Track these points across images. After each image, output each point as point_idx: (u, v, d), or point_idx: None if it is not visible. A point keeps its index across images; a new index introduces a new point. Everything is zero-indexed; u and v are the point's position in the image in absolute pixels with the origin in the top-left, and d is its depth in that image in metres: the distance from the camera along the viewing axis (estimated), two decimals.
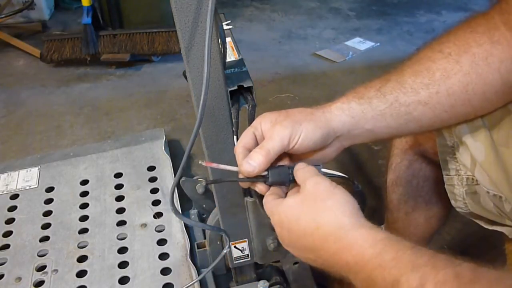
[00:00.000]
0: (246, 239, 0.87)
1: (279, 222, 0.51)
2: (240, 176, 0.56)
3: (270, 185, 0.56)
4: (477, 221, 0.70)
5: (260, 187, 0.57)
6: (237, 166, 0.56)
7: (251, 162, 0.53)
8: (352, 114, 0.57)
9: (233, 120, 0.69)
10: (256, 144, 0.57)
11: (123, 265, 1.00)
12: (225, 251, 0.73)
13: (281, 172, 0.55)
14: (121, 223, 1.10)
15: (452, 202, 0.69)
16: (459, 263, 0.39)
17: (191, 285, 0.92)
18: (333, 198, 0.49)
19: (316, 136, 0.55)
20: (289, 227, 0.50)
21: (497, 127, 0.60)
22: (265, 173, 0.55)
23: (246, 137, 0.57)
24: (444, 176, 0.68)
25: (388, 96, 0.57)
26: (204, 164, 0.57)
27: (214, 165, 0.56)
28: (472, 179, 0.64)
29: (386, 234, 0.44)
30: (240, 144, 0.56)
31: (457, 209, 0.70)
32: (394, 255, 0.41)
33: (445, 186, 0.69)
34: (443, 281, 0.37)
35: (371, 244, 0.43)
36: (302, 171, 0.53)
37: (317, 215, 0.48)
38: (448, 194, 0.69)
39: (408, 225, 0.90)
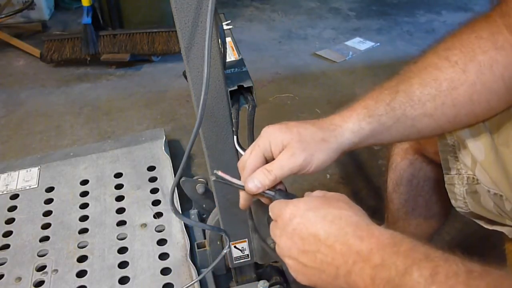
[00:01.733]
0: (246, 239, 0.87)
1: (293, 210, 0.50)
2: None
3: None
4: (477, 221, 0.70)
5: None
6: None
7: (256, 183, 0.54)
8: (362, 135, 0.57)
9: (233, 120, 0.69)
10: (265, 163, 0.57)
11: (123, 265, 1.00)
12: (225, 251, 0.73)
13: (288, 196, 0.56)
14: (121, 223, 1.10)
15: (452, 201, 0.69)
16: (469, 260, 0.40)
17: (191, 285, 0.92)
18: (356, 205, 0.51)
19: (326, 164, 0.56)
20: (304, 214, 0.49)
21: (497, 128, 0.60)
22: (272, 193, 0.56)
23: (255, 160, 0.56)
24: (444, 176, 0.68)
25: (397, 111, 0.57)
26: (219, 173, 0.58)
27: (228, 176, 0.57)
28: (473, 178, 0.64)
29: (402, 234, 0.46)
30: (250, 167, 0.56)
31: (457, 209, 0.70)
32: (410, 247, 0.42)
33: (446, 185, 0.69)
34: (454, 273, 0.38)
35: (390, 236, 0.45)
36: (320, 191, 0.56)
37: (341, 209, 0.49)
38: (449, 194, 0.69)
39: (408, 225, 0.90)
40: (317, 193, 0.54)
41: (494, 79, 0.55)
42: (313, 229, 0.48)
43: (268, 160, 0.57)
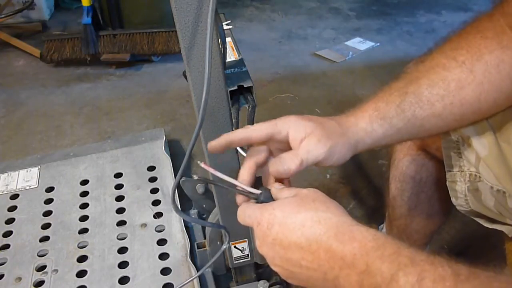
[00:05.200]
0: (246, 239, 0.87)
1: (269, 218, 0.48)
2: (232, 181, 0.54)
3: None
4: (477, 219, 0.70)
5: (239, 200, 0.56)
6: (231, 176, 0.55)
7: (284, 165, 0.52)
8: (375, 137, 0.58)
9: (233, 120, 0.70)
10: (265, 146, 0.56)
11: (123, 265, 1.00)
12: (224, 247, 0.72)
13: (271, 200, 0.53)
14: (121, 223, 1.10)
15: (453, 199, 0.69)
16: (456, 262, 0.39)
17: (190, 281, 0.92)
18: (332, 202, 0.49)
19: (344, 159, 0.56)
20: (282, 221, 0.47)
21: (500, 125, 0.61)
22: (258, 191, 0.53)
23: (262, 131, 0.54)
24: (446, 173, 0.68)
25: (407, 113, 0.58)
26: (201, 165, 0.55)
27: (211, 169, 0.55)
28: (475, 175, 0.64)
29: (384, 234, 0.45)
30: (255, 135, 0.54)
31: (458, 207, 0.70)
32: (395, 250, 0.41)
33: (447, 183, 0.69)
34: (441, 277, 0.37)
35: (372, 239, 0.43)
36: (291, 188, 0.53)
37: (318, 211, 0.47)
38: (450, 192, 0.69)
39: (410, 222, 0.90)
40: (288, 192, 0.52)
41: (501, 78, 0.56)
42: (293, 237, 0.46)
43: (276, 142, 0.55)
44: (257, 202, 0.53)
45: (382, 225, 1.07)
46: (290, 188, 0.52)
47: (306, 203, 0.48)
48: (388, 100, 0.59)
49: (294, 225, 0.47)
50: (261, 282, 0.94)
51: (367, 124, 0.57)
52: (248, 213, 0.52)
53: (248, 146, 0.66)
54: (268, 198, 0.53)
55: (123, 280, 0.97)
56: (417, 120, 0.58)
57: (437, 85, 0.57)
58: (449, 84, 0.57)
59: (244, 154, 0.67)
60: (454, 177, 0.67)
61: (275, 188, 0.53)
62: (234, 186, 0.55)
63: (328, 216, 0.46)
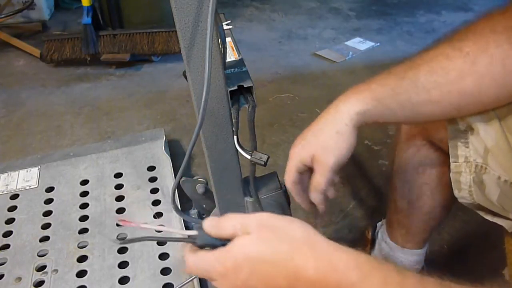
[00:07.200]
0: None
1: (235, 267, 0.43)
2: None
3: (199, 247, 0.48)
4: (479, 211, 0.70)
5: None
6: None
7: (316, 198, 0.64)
8: (370, 117, 0.60)
9: (233, 120, 0.69)
10: (304, 174, 0.65)
11: (123, 265, 1.00)
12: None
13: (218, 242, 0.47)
14: None
15: (456, 192, 0.68)
16: (448, 284, 0.37)
17: (190, 281, 0.92)
18: (294, 222, 0.44)
19: (353, 147, 0.61)
20: (252, 269, 0.43)
21: (505, 116, 0.61)
22: (195, 232, 0.48)
23: (292, 175, 0.65)
24: (451, 164, 0.67)
25: (401, 96, 0.59)
26: (121, 223, 0.52)
27: (133, 224, 0.52)
28: (481, 166, 0.64)
29: (366, 255, 0.42)
30: (289, 182, 0.66)
31: (460, 200, 0.69)
32: (383, 279, 0.39)
33: (451, 174, 0.68)
34: None
35: (355, 266, 0.40)
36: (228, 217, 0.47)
37: (288, 241, 0.43)
38: (453, 184, 0.68)
39: (411, 214, 0.88)
40: (229, 224, 0.45)
41: (505, 73, 0.55)
42: (269, 281, 0.43)
43: (302, 171, 0.65)
44: (197, 245, 0.48)
45: (381, 221, 1.07)
46: (227, 217, 0.46)
47: (268, 238, 0.43)
48: (383, 83, 0.61)
49: (267, 269, 0.43)
50: None
51: (360, 107, 0.60)
52: (202, 266, 0.46)
53: (251, 148, 0.67)
54: (207, 239, 0.47)
55: (123, 280, 0.97)
56: (413, 106, 0.59)
57: (436, 72, 0.58)
58: (448, 72, 0.57)
59: (245, 154, 0.67)
60: (459, 168, 0.67)
61: (207, 225, 0.47)
62: (164, 235, 0.51)
63: (300, 243, 0.42)
